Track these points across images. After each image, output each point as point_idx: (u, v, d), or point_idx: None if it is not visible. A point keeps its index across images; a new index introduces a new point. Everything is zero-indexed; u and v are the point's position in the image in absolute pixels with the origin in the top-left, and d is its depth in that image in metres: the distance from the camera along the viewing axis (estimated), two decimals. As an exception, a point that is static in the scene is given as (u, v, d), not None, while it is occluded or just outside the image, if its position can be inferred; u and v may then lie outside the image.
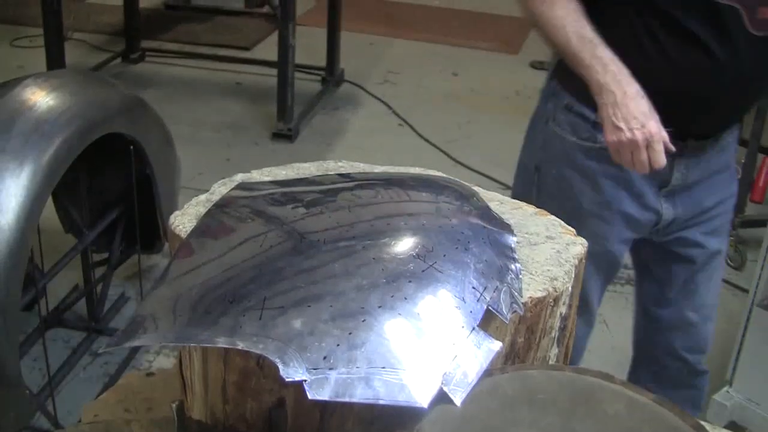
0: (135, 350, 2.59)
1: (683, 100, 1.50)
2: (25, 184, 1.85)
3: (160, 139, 2.52)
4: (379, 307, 0.87)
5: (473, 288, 0.93)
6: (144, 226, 2.55)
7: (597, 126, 1.53)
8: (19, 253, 1.83)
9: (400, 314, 0.86)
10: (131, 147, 2.32)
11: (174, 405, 1.02)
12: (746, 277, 3.05)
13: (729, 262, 3.41)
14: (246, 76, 5.00)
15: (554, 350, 1.16)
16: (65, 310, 2.65)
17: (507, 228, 1.10)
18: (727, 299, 3.16)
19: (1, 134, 1.89)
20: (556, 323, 1.12)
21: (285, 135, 4.21)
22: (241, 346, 0.84)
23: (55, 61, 3.94)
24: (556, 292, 1.08)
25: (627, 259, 3.35)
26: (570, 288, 1.13)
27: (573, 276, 1.14)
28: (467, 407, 0.83)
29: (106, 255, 2.70)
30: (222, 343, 0.85)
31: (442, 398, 0.83)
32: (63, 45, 4.02)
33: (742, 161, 3.48)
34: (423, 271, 0.93)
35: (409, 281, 0.91)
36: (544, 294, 1.06)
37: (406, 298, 0.88)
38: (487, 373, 0.88)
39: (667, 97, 1.46)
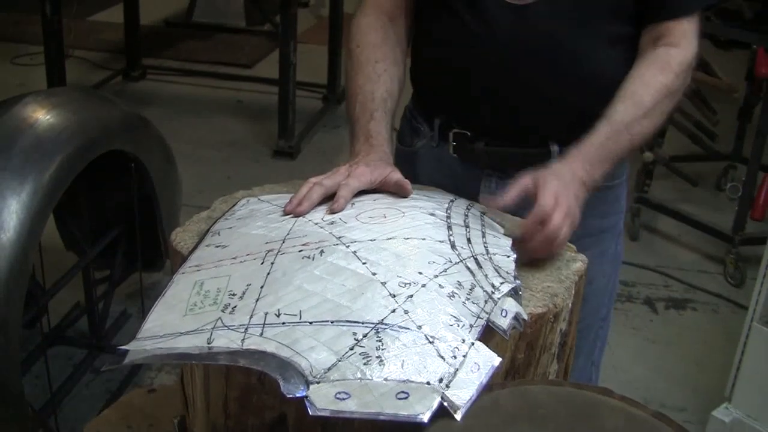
0: (137, 367, 2.58)
1: (449, 76, 1.44)
2: (26, 201, 1.85)
3: (161, 156, 2.52)
4: (380, 321, 0.88)
5: (474, 304, 0.93)
6: (145, 244, 2.55)
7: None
8: (21, 270, 1.83)
9: (400, 329, 0.87)
10: (132, 164, 2.32)
11: (176, 420, 1.02)
12: (746, 294, 3.05)
13: (729, 279, 3.42)
14: (247, 93, 5.02)
15: (554, 366, 1.16)
16: (67, 328, 2.65)
17: (507, 244, 1.10)
18: (727, 316, 3.17)
19: (2, 152, 1.89)
20: (556, 339, 1.13)
21: (286, 153, 4.22)
22: (242, 363, 0.85)
23: (55, 78, 3.95)
24: (556, 308, 1.09)
25: (626, 275, 3.40)
26: (570, 304, 1.13)
27: (573, 292, 1.14)
28: (467, 422, 0.84)
29: (107, 272, 2.70)
30: (223, 360, 0.85)
31: (442, 413, 0.83)
32: (64, 63, 4.03)
33: (743, 179, 3.49)
34: (424, 285, 0.93)
35: (410, 296, 0.91)
36: (544, 310, 1.07)
37: (407, 312, 0.89)
38: (488, 388, 0.88)
39: (438, 77, 1.45)
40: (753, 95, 3.68)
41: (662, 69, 1.32)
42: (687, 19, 1.35)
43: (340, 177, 1.21)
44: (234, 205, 1.26)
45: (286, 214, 1.14)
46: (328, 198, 1.19)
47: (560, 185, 1.21)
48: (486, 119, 1.38)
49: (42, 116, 2.04)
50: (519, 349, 1.05)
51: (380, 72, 1.37)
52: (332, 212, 1.13)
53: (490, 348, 0.93)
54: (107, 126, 2.21)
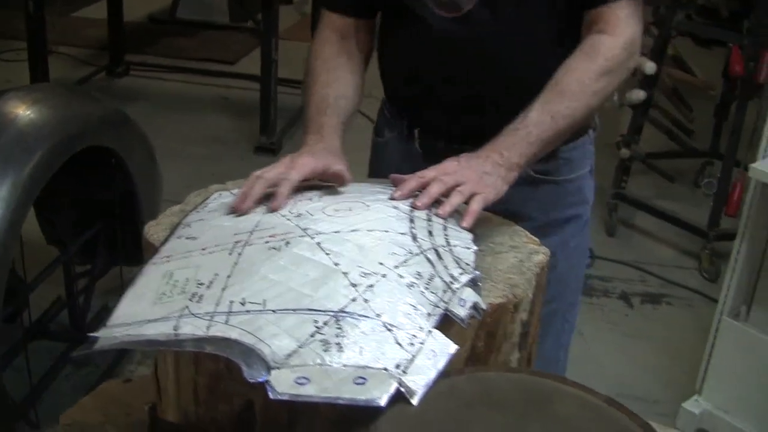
0: (117, 360, 2.61)
1: (406, 84, 1.54)
2: (5, 196, 1.88)
3: (143, 152, 2.55)
4: (341, 309, 0.91)
5: (432, 293, 0.97)
6: (126, 239, 2.57)
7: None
8: (0, 263, 1.86)
9: (360, 317, 0.91)
10: (113, 160, 2.35)
11: (147, 407, 1.05)
12: (721, 289, 3.09)
13: (704, 274, 3.47)
14: (230, 90, 5.04)
15: (516, 355, 1.20)
16: (48, 322, 2.67)
17: (468, 237, 1.14)
18: (702, 311, 3.22)
19: (-17, 147, 1.92)
20: (517, 329, 1.16)
21: (268, 149, 4.25)
22: (208, 349, 0.88)
23: (38, 74, 3.97)
24: (516, 298, 1.12)
25: (602, 270, 3.44)
26: (531, 295, 1.17)
27: (534, 284, 1.18)
28: (424, 407, 0.87)
29: (88, 267, 2.73)
30: (189, 346, 0.89)
31: (399, 398, 0.87)
32: (47, 59, 4.04)
33: (718, 175, 3.54)
34: (384, 276, 0.97)
35: (371, 286, 0.95)
36: (503, 300, 1.10)
37: (366, 301, 0.92)
38: (445, 374, 0.92)
39: (398, 84, 1.55)
40: (729, 93, 3.74)
41: (589, 55, 1.34)
42: (618, 4, 1.36)
43: (281, 168, 1.22)
44: (206, 199, 1.29)
45: (232, 211, 1.16)
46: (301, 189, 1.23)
47: (453, 161, 1.26)
48: (442, 122, 1.43)
49: (23, 112, 2.07)
50: (479, 337, 1.09)
51: (333, 79, 1.42)
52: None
53: (449, 336, 0.97)
54: (87, 122, 2.24)
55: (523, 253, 1.23)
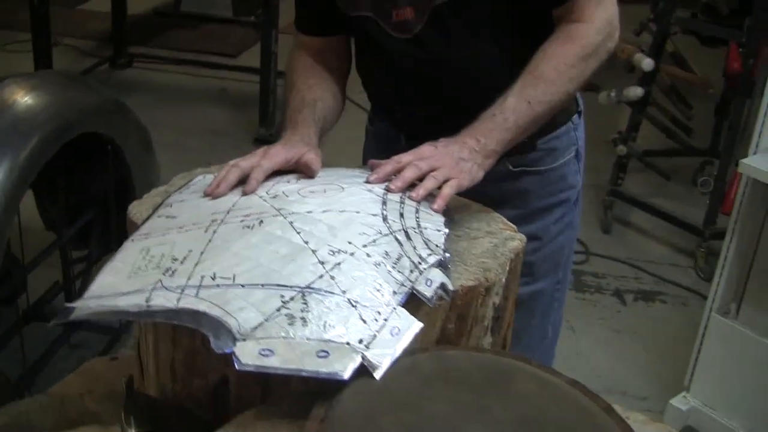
0: (112, 343, 2.65)
1: (378, 95, 1.62)
2: (1, 180, 1.91)
3: (139, 140, 2.58)
4: (307, 285, 0.94)
5: (399, 272, 0.99)
6: (121, 225, 2.60)
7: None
8: (-5, 246, 1.89)
9: (325, 293, 0.93)
10: (109, 147, 2.38)
11: (124, 380, 1.08)
12: (712, 286, 3.11)
13: (699, 273, 3.48)
14: (231, 82, 5.07)
15: (488, 339, 1.22)
16: (45, 305, 2.71)
17: (440, 220, 1.16)
18: (695, 309, 3.22)
19: (-21, 132, 1.95)
20: (489, 312, 1.18)
21: (267, 140, 4.28)
22: (177, 321, 0.91)
23: (42, 65, 4.01)
24: (488, 282, 1.14)
25: (596, 267, 3.46)
26: (503, 280, 1.19)
27: (507, 269, 1.20)
28: (386, 382, 0.90)
29: (85, 252, 2.76)
30: (159, 318, 0.91)
31: (362, 372, 0.89)
32: (51, 50, 4.08)
33: (714, 174, 3.55)
34: (352, 254, 0.99)
35: (338, 264, 0.97)
36: (475, 283, 1.12)
37: (333, 278, 0.95)
38: (410, 352, 0.94)
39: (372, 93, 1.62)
40: (730, 91, 3.74)
41: (563, 41, 1.35)
42: None
43: (255, 158, 1.28)
44: (190, 180, 1.32)
45: (205, 195, 1.20)
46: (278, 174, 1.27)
47: (430, 146, 1.29)
48: (422, 130, 1.42)
49: (20, 98, 2.10)
50: (449, 319, 1.11)
51: (309, 85, 1.47)
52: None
53: (419, 316, 0.99)
54: (84, 109, 2.27)
55: (499, 239, 1.25)
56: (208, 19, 6.04)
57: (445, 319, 1.11)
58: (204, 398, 1.12)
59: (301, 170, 1.29)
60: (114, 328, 2.64)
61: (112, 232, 2.61)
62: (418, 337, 1.05)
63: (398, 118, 1.59)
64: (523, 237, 1.29)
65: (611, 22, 1.38)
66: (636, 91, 3.51)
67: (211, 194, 1.21)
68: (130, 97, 4.55)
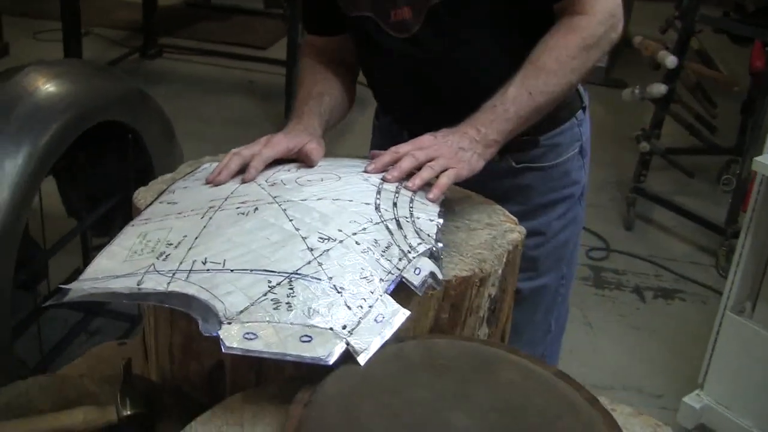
0: (130, 330, 2.68)
1: (383, 94, 1.63)
2: (20, 166, 1.95)
3: (161, 129, 2.61)
4: (294, 271, 0.96)
5: (387, 260, 1.01)
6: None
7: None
8: (12, 230, 1.92)
9: (312, 279, 0.95)
10: (129, 135, 2.41)
11: (122, 362, 1.10)
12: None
13: (720, 271, 3.46)
14: (259, 74, 5.11)
15: (484, 329, 1.23)
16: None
17: (435, 210, 1.17)
18: (715, 307, 3.18)
19: (0, 118, 1.99)
20: (484, 303, 1.19)
21: (293, 132, 4.30)
22: (167, 304, 0.93)
23: (72, 54, 4.05)
24: (483, 273, 1.15)
25: (617, 263, 3.45)
26: (500, 271, 1.20)
27: (504, 260, 1.21)
28: (371, 368, 0.91)
29: (106, 239, 2.79)
30: (151, 300, 0.94)
31: (348, 358, 0.91)
32: (80, 39, 4.13)
33: (737, 172, 3.53)
34: (341, 242, 1.01)
35: (327, 251, 0.99)
36: (469, 274, 1.13)
37: (320, 264, 0.97)
38: (398, 339, 0.96)
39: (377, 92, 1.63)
40: (754, 89, 3.71)
41: (565, 33, 1.35)
42: None
43: (257, 147, 1.30)
44: (196, 168, 1.34)
45: (207, 182, 1.23)
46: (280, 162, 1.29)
47: (430, 136, 1.30)
48: (417, 124, 1.42)
49: (41, 85, 2.13)
50: (443, 308, 1.12)
51: (318, 79, 1.49)
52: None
53: (411, 305, 1.01)
54: (105, 97, 2.30)
55: (498, 231, 1.26)
56: (238, 10, 6.08)
57: (438, 308, 1.12)
58: (200, 382, 1.14)
59: (302, 159, 1.31)
60: (131, 315, 2.67)
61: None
62: (410, 326, 1.07)
63: (399, 116, 1.61)
64: (523, 229, 1.30)
65: (614, 13, 1.38)
66: (659, 88, 3.49)
67: (212, 182, 1.23)
68: (159, 88, 4.62)
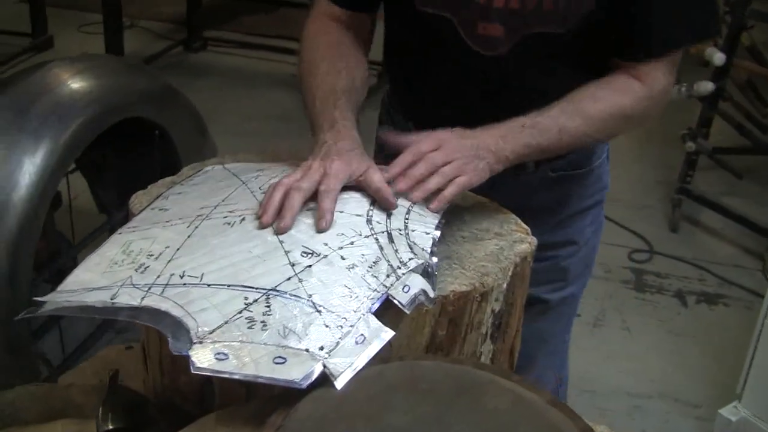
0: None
1: (427, 105, 1.49)
2: (39, 163, 1.93)
3: (190, 126, 2.58)
4: (273, 288, 0.91)
5: (374, 277, 0.96)
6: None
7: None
8: (31, 227, 1.91)
9: (290, 296, 0.90)
10: (156, 132, 2.39)
11: (109, 373, 1.07)
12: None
13: (766, 276, 3.35)
14: (300, 68, 5.07)
15: (487, 346, 1.17)
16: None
17: (433, 222, 1.11)
18: (758, 311, 3.10)
19: (21, 114, 1.97)
20: (487, 319, 1.14)
21: (332, 128, 4.25)
22: (139, 321, 0.89)
23: (113, 47, 4.07)
24: (484, 287, 1.10)
25: (659, 266, 3.35)
26: (504, 285, 1.14)
27: (510, 274, 1.15)
28: (349, 391, 0.86)
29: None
30: (123, 316, 0.90)
31: (324, 381, 0.86)
32: (122, 32, 4.14)
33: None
34: (326, 257, 0.96)
35: (309, 266, 0.94)
36: (468, 289, 1.08)
37: (301, 281, 0.92)
38: (381, 360, 0.91)
39: (417, 103, 1.51)
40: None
41: (616, 91, 1.31)
42: (656, 65, 1.32)
43: (316, 176, 1.10)
44: (197, 172, 1.31)
45: (264, 226, 1.03)
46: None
47: (446, 132, 1.21)
48: (431, 127, 1.34)
49: (63, 82, 2.12)
50: (440, 325, 1.07)
51: (340, 68, 1.31)
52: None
53: (404, 322, 0.96)
54: (129, 93, 2.28)
55: (507, 241, 1.21)
56: (283, 3, 6.04)
57: (434, 325, 1.07)
58: (191, 394, 1.11)
59: (361, 187, 1.14)
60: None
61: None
62: (403, 343, 1.02)
63: (417, 115, 1.50)
64: (534, 240, 1.24)
65: (667, 93, 1.35)
66: (706, 86, 3.38)
67: (270, 224, 1.04)
68: (200, 81, 4.61)
